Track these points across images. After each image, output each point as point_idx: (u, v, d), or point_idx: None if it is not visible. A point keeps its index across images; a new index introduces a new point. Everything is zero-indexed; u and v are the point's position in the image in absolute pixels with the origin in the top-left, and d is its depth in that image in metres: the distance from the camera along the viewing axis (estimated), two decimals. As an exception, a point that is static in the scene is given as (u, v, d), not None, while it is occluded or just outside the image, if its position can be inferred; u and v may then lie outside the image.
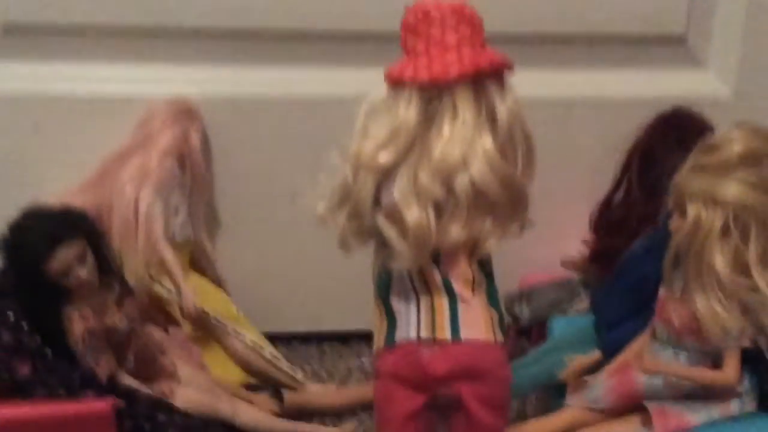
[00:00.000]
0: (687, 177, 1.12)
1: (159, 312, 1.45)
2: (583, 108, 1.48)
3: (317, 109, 1.43)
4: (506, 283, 1.35)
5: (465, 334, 0.95)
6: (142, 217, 1.40)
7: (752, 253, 1.09)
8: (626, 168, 1.38)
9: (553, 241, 1.47)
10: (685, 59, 1.49)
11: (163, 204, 1.42)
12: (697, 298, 1.11)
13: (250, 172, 1.49)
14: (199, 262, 1.53)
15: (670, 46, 1.48)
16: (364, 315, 1.13)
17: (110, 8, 1.40)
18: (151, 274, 1.43)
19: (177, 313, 1.45)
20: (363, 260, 1.02)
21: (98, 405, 1.16)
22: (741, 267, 1.09)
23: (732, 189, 1.08)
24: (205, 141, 1.47)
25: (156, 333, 1.36)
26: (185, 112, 1.43)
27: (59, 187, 1.40)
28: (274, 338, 1.54)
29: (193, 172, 1.46)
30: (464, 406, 0.96)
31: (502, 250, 0.98)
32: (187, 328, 1.46)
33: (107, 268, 1.22)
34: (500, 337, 0.98)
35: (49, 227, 1.16)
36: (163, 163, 1.41)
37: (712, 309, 1.10)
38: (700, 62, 1.50)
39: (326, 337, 1.66)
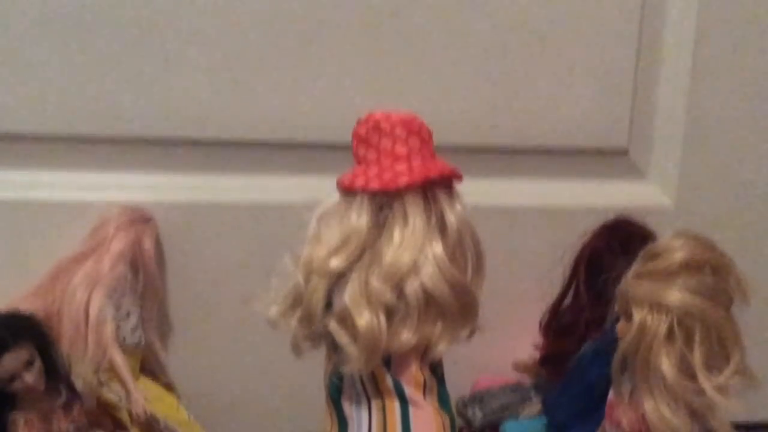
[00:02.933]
0: (631, 283, 1.14)
1: (108, 417, 1.42)
2: (530, 216, 1.51)
3: (270, 215, 1.45)
4: (459, 387, 1.36)
5: (416, 438, 0.96)
6: (92, 321, 1.39)
7: (697, 357, 1.11)
8: (573, 274, 1.41)
9: (504, 346, 1.49)
10: (628, 171, 1.54)
11: (114, 308, 1.41)
12: (645, 401, 1.12)
13: (203, 276, 1.50)
14: (150, 367, 1.51)
15: (612, 158, 1.53)
16: (316, 420, 1.13)
17: (63, 117, 1.42)
18: (101, 379, 1.41)
19: (126, 419, 1.43)
20: (315, 364, 1.03)
21: None
22: (687, 370, 1.11)
23: (675, 295, 1.11)
24: (159, 246, 1.48)
25: (104, 440, 1.34)
26: (139, 218, 1.44)
27: (9, 292, 1.39)
28: (224, 445, 1.52)
29: (145, 277, 1.46)
30: None
31: (454, 355, 0.99)
32: (135, 434, 1.43)
33: (55, 373, 1.21)
34: (452, 442, 0.98)
35: (-4, 332, 1.15)
36: (115, 268, 1.41)
37: (660, 412, 1.11)
38: (642, 174, 1.55)
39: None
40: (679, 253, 1.13)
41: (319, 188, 1.02)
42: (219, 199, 1.47)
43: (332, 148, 1.38)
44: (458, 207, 0.97)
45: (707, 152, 1.52)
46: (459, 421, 1.45)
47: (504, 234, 1.49)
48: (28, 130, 1.43)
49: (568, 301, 1.43)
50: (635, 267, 1.16)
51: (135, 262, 1.44)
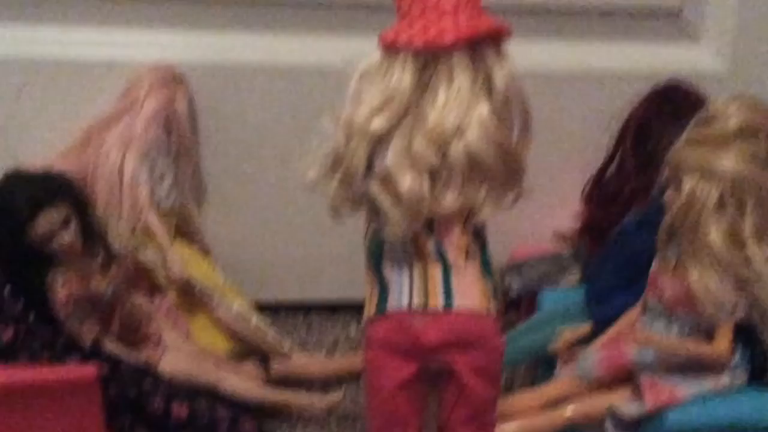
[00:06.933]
0: (683, 150, 1.11)
1: (144, 280, 1.43)
2: (578, 81, 1.46)
3: (306, 76, 1.41)
4: (497, 255, 1.35)
5: (458, 303, 0.94)
6: (126, 183, 1.38)
7: (747, 227, 1.09)
8: (620, 141, 1.37)
9: (544, 214, 1.46)
10: (680, 33, 1.48)
11: (148, 170, 1.40)
12: (691, 271, 1.11)
13: (237, 138, 1.47)
14: (185, 230, 1.51)
15: (664, 19, 1.46)
16: (352, 285, 1.13)
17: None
18: (137, 242, 1.41)
19: (163, 281, 1.44)
20: (353, 229, 1.01)
21: (83, 371, 1.15)
22: (736, 240, 1.09)
23: (728, 162, 1.08)
24: (192, 107, 1.45)
25: (141, 300, 1.35)
26: (172, 78, 1.40)
27: (43, 152, 1.37)
28: (261, 307, 1.52)
29: (179, 138, 1.43)
30: (456, 376, 0.95)
31: (492, 222, 0.97)
32: (172, 296, 1.44)
33: (92, 233, 1.20)
34: (494, 307, 0.97)
35: (32, 191, 1.14)
36: (148, 129, 1.39)
37: (705, 283, 1.09)
38: (695, 36, 1.49)
39: (314, 307, 1.65)
40: (733, 118, 1.09)
41: (358, 49, 0.97)
42: (255, 59, 1.43)
43: (374, 6, 1.33)
44: (506, 66, 0.93)
45: (765, 13, 1.44)
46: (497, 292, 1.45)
47: (549, 99, 1.43)
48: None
49: (612, 168, 1.39)
50: (687, 133, 1.12)
51: (168, 124, 1.41)
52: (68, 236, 1.15)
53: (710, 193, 1.08)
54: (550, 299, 1.41)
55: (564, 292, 1.42)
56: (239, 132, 1.47)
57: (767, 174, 1.08)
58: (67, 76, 1.41)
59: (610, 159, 1.39)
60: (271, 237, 1.55)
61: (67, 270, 1.17)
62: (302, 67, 1.42)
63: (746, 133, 1.09)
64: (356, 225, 1.00)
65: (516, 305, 1.54)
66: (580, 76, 1.46)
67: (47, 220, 1.13)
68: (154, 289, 1.44)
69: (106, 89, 1.40)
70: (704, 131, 1.11)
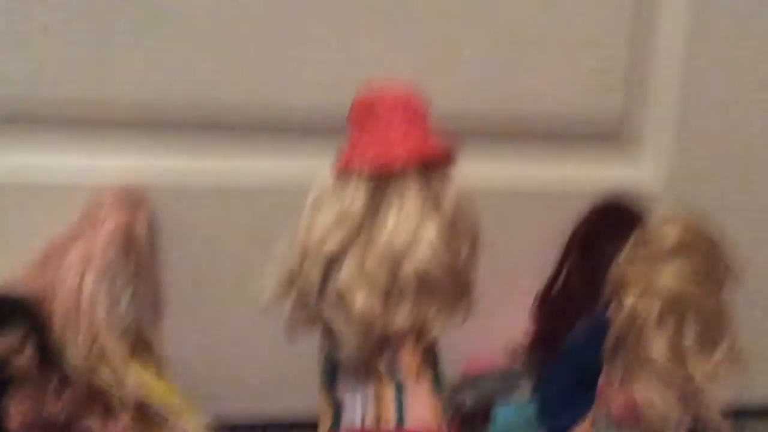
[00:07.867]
0: (622, 267, 1.15)
1: (98, 403, 1.41)
2: (521, 200, 1.51)
3: (263, 199, 1.45)
4: (450, 369, 1.36)
5: (411, 422, 0.95)
6: (84, 304, 1.38)
7: (687, 343, 1.11)
8: (564, 257, 1.41)
9: (496, 328, 1.48)
10: (619, 155, 1.54)
11: (106, 291, 1.40)
12: (636, 387, 1.12)
13: (197, 258, 1.49)
14: (141, 349, 1.50)
15: (604, 142, 1.52)
16: (309, 404, 1.13)
17: (57, 98, 1.41)
18: (92, 364, 1.40)
19: (116, 404, 1.42)
20: (311, 346, 1.02)
21: (33, 499, 1.12)
22: (677, 356, 1.11)
23: (667, 279, 1.11)
24: (152, 229, 1.47)
25: (94, 425, 1.32)
26: (132, 200, 1.43)
27: (2, 273, 1.38)
28: (218, 427, 1.51)
29: (137, 260, 1.44)
30: (408, 496, 0.96)
31: (445, 338, 0.99)
32: (126, 419, 1.42)
33: (49, 356, 1.19)
34: (446, 424, 0.98)
35: (-12, 314, 1.13)
36: (107, 251, 1.40)
37: (650, 398, 1.11)
38: (634, 159, 1.55)
39: (271, 427, 1.63)
40: (670, 237, 1.13)
41: (313, 172, 1.01)
42: (213, 183, 1.46)
43: (328, 130, 1.37)
44: (453, 189, 0.97)
45: (700, 135, 1.51)
46: (449, 406, 1.45)
47: (495, 219, 1.42)
48: (17, 111, 1.41)
49: (558, 285, 1.42)
50: (626, 251, 1.16)
51: (127, 245, 1.42)
52: (24, 360, 1.14)
53: (650, 310, 1.11)
54: (503, 414, 1.42)
55: (517, 407, 1.43)
56: (199, 252, 1.49)
57: (704, 291, 1.12)
58: (26, 201, 1.43)
59: (555, 275, 1.42)
60: (228, 358, 1.55)
61: (20, 396, 1.15)
62: (260, 190, 1.46)
63: (684, 250, 1.13)
64: (315, 342, 1.02)
65: (470, 420, 1.54)
66: (523, 196, 1.51)
67: (3, 344, 1.12)
68: (108, 411, 1.42)
69: (67, 214, 1.41)
70: (642, 249, 1.15)
